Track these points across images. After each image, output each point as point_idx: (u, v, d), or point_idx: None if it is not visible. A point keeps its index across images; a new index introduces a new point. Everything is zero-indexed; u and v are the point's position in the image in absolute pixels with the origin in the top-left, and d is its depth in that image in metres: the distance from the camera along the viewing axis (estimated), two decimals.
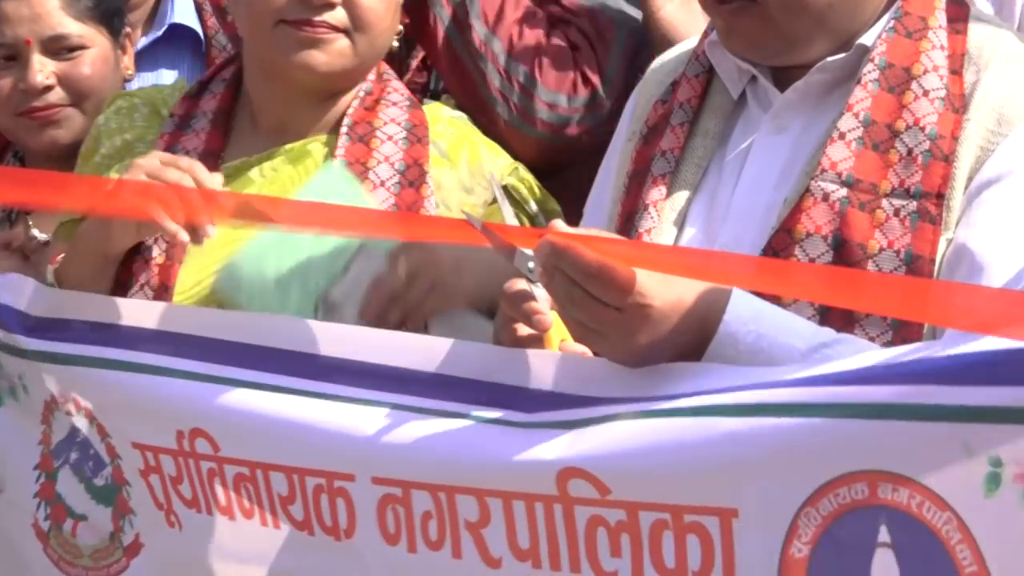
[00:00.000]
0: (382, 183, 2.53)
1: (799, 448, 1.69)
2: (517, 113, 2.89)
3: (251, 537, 2.17)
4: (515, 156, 2.71)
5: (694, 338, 1.86)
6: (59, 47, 3.05)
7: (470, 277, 2.37)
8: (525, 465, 1.86)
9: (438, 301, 2.37)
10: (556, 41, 2.93)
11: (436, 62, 3.08)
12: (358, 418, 2.03)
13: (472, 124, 2.75)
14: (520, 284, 1.97)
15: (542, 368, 1.95)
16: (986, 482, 1.58)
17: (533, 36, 2.92)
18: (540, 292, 1.94)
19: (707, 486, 1.75)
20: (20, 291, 2.45)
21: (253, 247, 2.44)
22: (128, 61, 3.20)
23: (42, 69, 3.03)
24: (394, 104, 2.64)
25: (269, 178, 2.59)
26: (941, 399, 1.61)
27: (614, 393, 1.87)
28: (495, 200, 2.34)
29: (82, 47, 3.07)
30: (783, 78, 2.23)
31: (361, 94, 2.64)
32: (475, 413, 1.94)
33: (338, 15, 2.56)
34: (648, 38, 2.91)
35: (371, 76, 2.67)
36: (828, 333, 1.90)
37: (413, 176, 2.54)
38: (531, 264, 1.91)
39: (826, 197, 2.08)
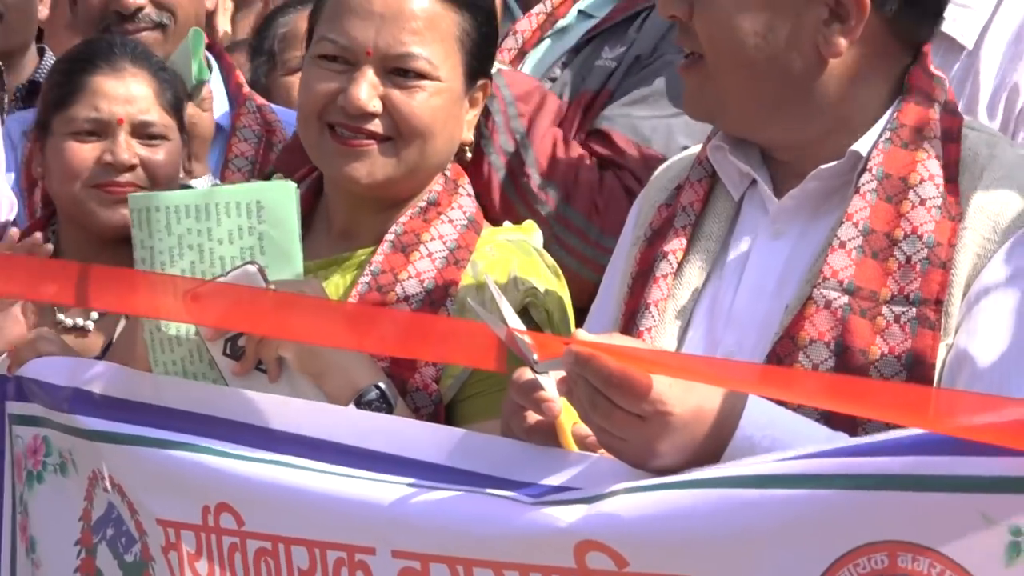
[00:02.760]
0: (406, 298, 2.43)
1: (814, 519, 1.65)
2: (576, 258, 2.78)
3: None
4: (575, 300, 2.59)
5: (712, 443, 1.84)
6: (145, 132, 3.11)
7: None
8: (543, 536, 1.82)
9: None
10: (611, 186, 2.83)
11: (487, 203, 2.85)
12: (378, 492, 1.99)
13: (531, 249, 2.57)
14: (527, 374, 1.95)
15: (552, 466, 1.93)
16: (1007, 551, 1.55)
17: (587, 182, 2.82)
18: (547, 380, 1.93)
19: (723, 557, 1.70)
20: (81, 372, 2.43)
21: (177, 196, 2.40)
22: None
23: (129, 148, 3.07)
24: (450, 221, 2.52)
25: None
26: (955, 470, 1.58)
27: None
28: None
29: (164, 137, 3.13)
30: (782, 182, 2.22)
31: (423, 204, 2.53)
32: (489, 491, 1.91)
33: (378, 124, 2.46)
34: None
35: (438, 186, 2.55)
36: (842, 438, 1.86)
37: (437, 296, 2.43)
38: (535, 356, 1.91)
39: (828, 304, 2.06)
